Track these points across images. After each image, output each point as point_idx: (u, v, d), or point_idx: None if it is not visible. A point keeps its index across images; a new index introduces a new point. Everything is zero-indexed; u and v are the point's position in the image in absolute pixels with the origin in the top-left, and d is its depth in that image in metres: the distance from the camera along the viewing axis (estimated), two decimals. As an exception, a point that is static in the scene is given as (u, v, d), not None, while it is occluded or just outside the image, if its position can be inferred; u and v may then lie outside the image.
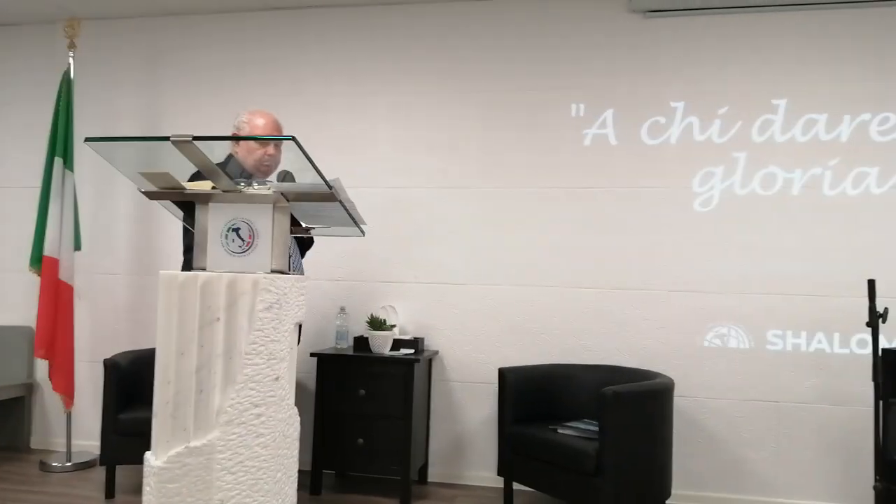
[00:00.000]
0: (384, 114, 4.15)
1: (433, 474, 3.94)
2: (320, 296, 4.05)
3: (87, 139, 1.92)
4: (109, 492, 3.47)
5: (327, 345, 3.96)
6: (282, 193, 1.93)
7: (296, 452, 1.99)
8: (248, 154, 2.99)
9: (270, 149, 3.00)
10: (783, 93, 3.69)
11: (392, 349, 3.68)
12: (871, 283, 2.85)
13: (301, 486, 2.22)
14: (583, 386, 3.57)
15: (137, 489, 3.53)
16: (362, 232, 2.65)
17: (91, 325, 4.37)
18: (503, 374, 3.48)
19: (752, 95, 3.72)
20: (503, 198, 3.97)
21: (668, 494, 3.25)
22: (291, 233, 2.40)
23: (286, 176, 3.01)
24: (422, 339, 3.88)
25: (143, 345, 3.97)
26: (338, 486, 3.81)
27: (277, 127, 3.12)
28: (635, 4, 3.81)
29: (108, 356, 3.56)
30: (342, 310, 3.91)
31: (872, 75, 3.60)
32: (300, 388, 2.93)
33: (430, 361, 3.95)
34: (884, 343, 3.00)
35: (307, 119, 4.15)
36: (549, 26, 3.96)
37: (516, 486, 3.48)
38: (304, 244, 3.30)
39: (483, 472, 3.87)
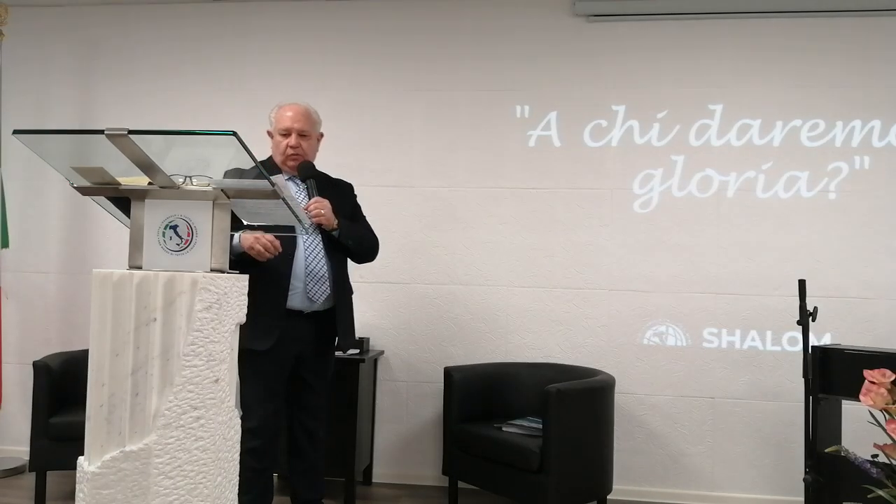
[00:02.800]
0: (328, 111, 4.07)
1: (378, 475, 3.92)
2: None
3: (15, 131, 1.84)
4: (39, 499, 3.34)
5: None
6: (222, 190, 1.89)
7: (236, 456, 1.95)
8: (276, 149, 2.95)
9: (292, 140, 2.92)
10: (719, 98, 3.80)
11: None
12: (802, 283, 2.96)
13: (242, 490, 2.17)
14: (527, 384, 3.60)
15: (69, 496, 3.40)
16: (305, 230, 2.62)
17: (20, 325, 4.19)
18: (449, 373, 3.49)
19: (690, 100, 3.82)
20: (448, 197, 3.98)
21: (609, 490, 3.31)
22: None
23: (306, 167, 2.93)
24: (367, 339, 3.85)
25: (75, 346, 3.84)
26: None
27: (307, 115, 2.99)
28: (579, 9, 3.87)
29: (38, 358, 3.43)
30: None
31: (803, 82, 3.75)
32: (241, 389, 2.86)
33: (375, 361, 3.92)
34: (813, 341, 3.12)
35: (248, 114, 4.05)
36: (495, 27, 3.99)
37: (461, 484, 3.49)
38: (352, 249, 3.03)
39: (428, 471, 3.87)
